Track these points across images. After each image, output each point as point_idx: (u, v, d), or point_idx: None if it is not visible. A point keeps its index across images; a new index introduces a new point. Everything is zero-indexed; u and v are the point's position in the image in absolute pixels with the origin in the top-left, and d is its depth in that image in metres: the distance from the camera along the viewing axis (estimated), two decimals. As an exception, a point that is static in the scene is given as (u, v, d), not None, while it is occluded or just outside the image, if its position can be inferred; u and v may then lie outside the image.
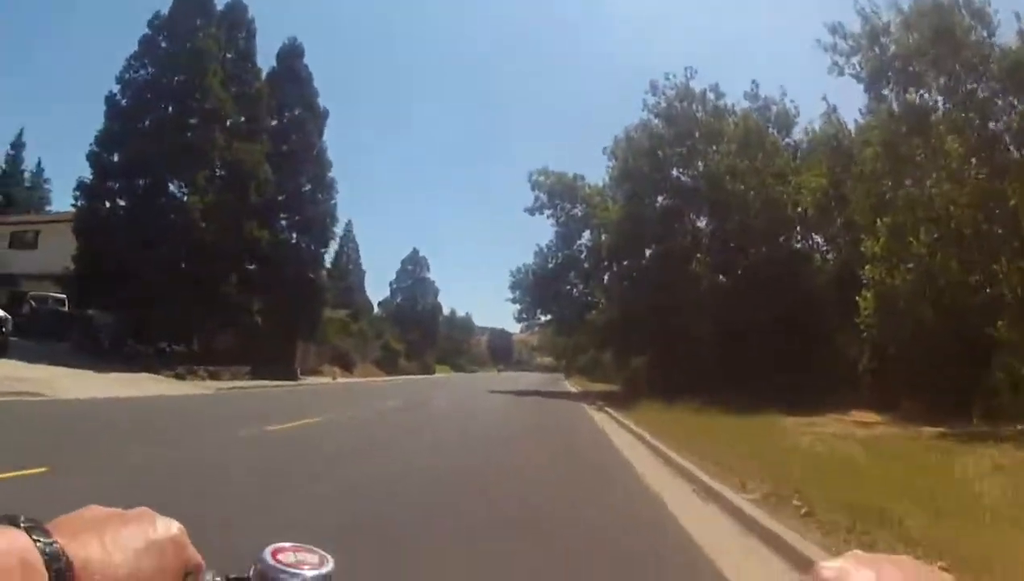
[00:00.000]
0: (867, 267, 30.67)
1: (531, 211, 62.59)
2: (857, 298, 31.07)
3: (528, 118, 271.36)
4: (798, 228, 48.54)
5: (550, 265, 62.40)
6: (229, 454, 14.81)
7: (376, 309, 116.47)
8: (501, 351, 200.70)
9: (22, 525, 0.83)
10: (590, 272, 60.72)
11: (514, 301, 64.59)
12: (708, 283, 48.90)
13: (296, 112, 59.95)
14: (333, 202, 61.91)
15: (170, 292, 44.35)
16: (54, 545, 0.83)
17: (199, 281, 47.04)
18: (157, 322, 45.54)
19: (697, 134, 51.27)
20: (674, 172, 52.26)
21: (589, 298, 62.33)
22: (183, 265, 47.54)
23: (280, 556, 1.06)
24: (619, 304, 53.66)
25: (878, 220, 30.22)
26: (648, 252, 52.15)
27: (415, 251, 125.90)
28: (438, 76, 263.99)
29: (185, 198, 49.18)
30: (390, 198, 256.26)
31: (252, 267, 54.83)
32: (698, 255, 49.95)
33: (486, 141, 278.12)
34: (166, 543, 0.95)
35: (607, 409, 35.74)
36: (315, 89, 62.09)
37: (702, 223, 52.70)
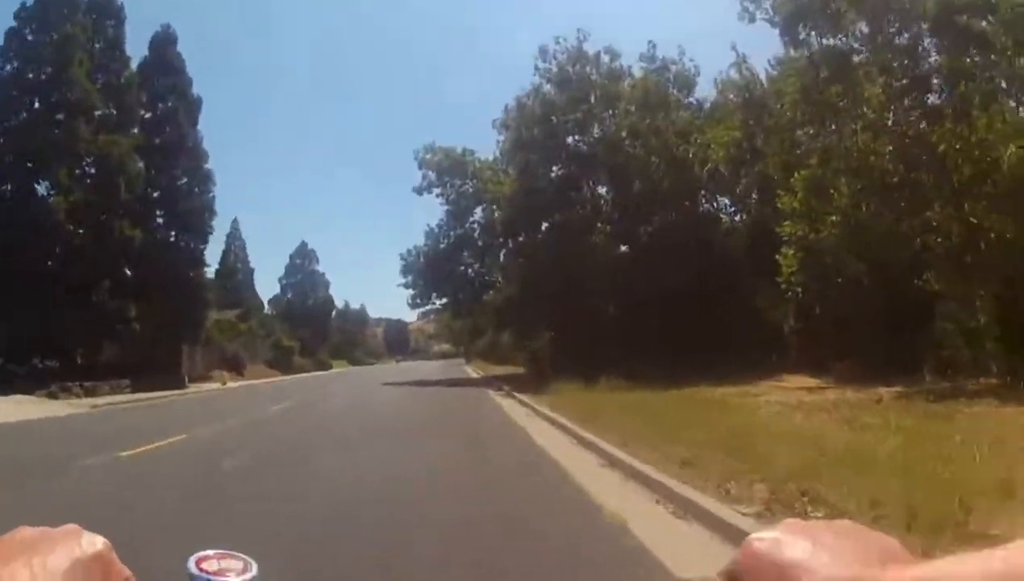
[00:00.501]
0: (786, 224, 28.98)
1: (419, 190, 59.21)
2: (777, 257, 29.52)
3: (416, 96, 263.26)
4: (703, 191, 46.91)
5: (442, 245, 58.93)
6: (51, 497, 11.63)
7: (267, 307, 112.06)
8: (398, 341, 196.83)
9: None
10: (484, 250, 57.48)
11: (407, 286, 61.02)
12: (610, 253, 46.86)
13: (169, 102, 56.47)
14: (211, 195, 58.64)
15: (37, 302, 40.85)
16: None
17: (69, 289, 43.54)
18: (28, 336, 41.95)
19: (593, 98, 48.74)
20: (569, 140, 49.43)
21: (485, 277, 59.20)
22: (50, 271, 43.95)
23: (204, 564, 1.06)
24: (517, 281, 50.81)
25: (796, 173, 28.35)
26: (545, 225, 49.18)
27: (303, 244, 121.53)
28: (319, 57, 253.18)
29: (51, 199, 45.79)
30: (276, 191, 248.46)
31: (127, 270, 51.57)
32: (598, 225, 47.79)
33: (373, 123, 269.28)
34: (92, 561, 0.93)
35: (515, 394, 33.03)
36: (188, 77, 58.85)
37: (602, 190, 50.32)
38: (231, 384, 59.80)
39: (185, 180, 56.89)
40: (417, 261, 59.59)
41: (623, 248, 47.70)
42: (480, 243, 57.43)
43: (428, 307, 65.15)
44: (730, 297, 39.27)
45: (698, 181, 45.05)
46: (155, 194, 55.31)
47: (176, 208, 55.05)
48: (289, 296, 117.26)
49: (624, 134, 46.47)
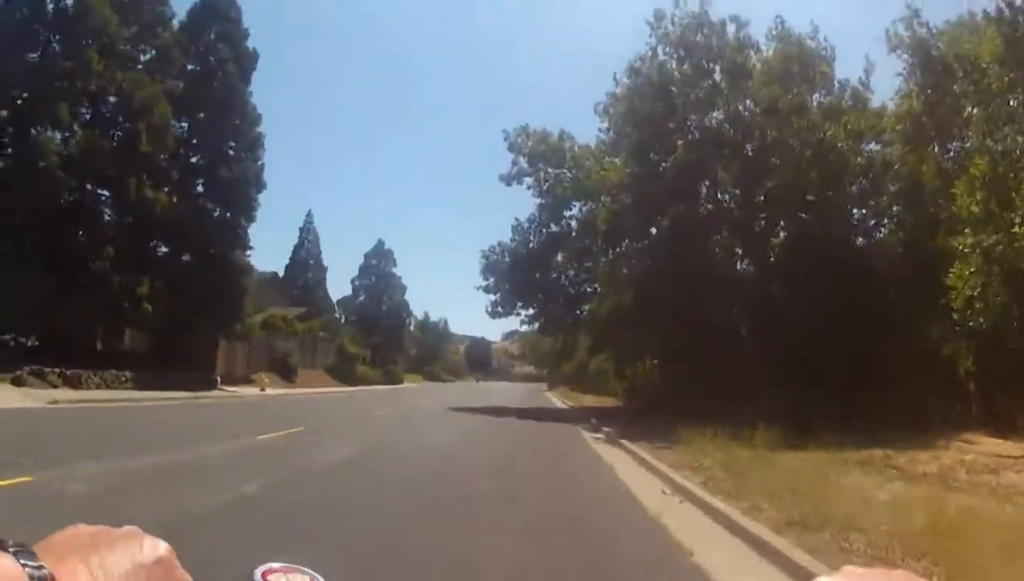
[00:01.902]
0: (966, 233, 23.08)
1: (508, 179, 50.04)
2: (951, 273, 23.43)
3: (509, 79, 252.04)
4: (854, 188, 36.92)
5: (532, 244, 49.64)
6: None
7: (336, 309, 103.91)
8: (479, 360, 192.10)
9: (10, 549, 0.83)
10: (582, 252, 47.75)
11: (487, 290, 51.43)
12: (745, 262, 38.34)
13: (218, 54, 48.32)
14: (260, 163, 50.23)
15: (10, 266, 33.10)
16: (43, 570, 0.81)
17: (56, 252, 35.72)
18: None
19: (718, 72, 38.95)
20: (692, 117, 39.44)
21: (581, 287, 49.71)
22: (34, 227, 36.63)
23: (270, 577, 1.06)
24: (620, 292, 41.34)
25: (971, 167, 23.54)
26: (658, 224, 39.13)
27: (380, 243, 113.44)
28: (398, 37, 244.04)
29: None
30: (354, 182, 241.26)
31: (148, 241, 44.12)
32: (723, 230, 38.89)
33: (461, 109, 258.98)
34: (154, 565, 0.92)
35: (621, 440, 23.78)
36: (244, 29, 50.64)
37: (733, 177, 39.77)
38: (269, 391, 51.79)
39: (232, 144, 48.88)
40: (501, 260, 50.09)
41: (763, 256, 38.60)
42: (577, 245, 47.61)
43: (510, 317, 54.58)
44: (888, 328, 30.43)
45: (854, 172, 35.97)
46: (194, 158, 48.05)
47: (217, 175, 46.34)
48: (361, 299, 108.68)
49: (762, 105, 37.01)
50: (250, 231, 49.22)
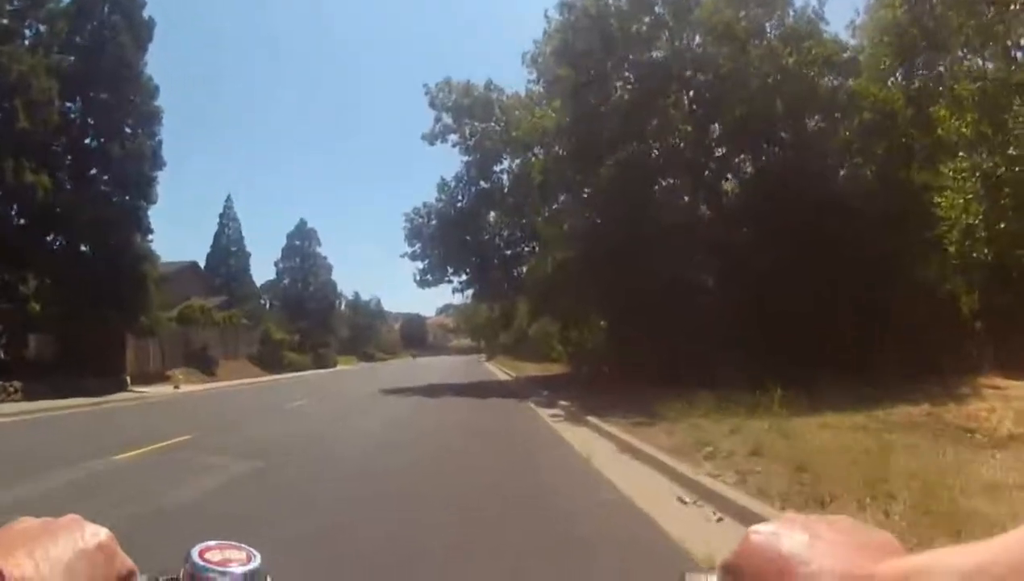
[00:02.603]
0: (960, 157, 21.82)
1: (431, 138, 46.06)
2: (940, 203, 22.05)
3: (427, 33, 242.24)
4: (819, 117, 33.14)
5: (460, 204, 45.46)
6: None
7: (261, 295, 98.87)
8: (414, 337, 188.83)
9: None
10: (516, 209, 43.50)
11: (413, 256, 47.08)
12: (697, 208, 34.36)
13: (112, 25, 43.04)
14: (157, 139, 44.94)
15: None
16: None
17: None
18: None
19: (659, 6, 34.48)
20: (632, 55, 34.96)
21: (518, 247, 45.58)
22: None
23: (207, 555, 1.05)
24: (561, 248, 37.32)
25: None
26: (603, 171, 34.67)
27: (302, 222, 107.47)
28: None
29: None
30: (272, 165, 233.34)
31: (26, 224, 39.61)
32: (678, 168, 34.53)
33: (377, 69, 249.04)
34: (95, 552, 0.94)
35: (591, 419, 19.53)
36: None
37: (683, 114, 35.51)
38: (183, 388, 47.11)
39: (130, 122, 43.83)
40: (427, 223, 45.81)
41: (724, 190, 35.35)
42: (510, 201, 43.42)
43: (441, 285, 49.99)
44: (874, 269, 27.27)
45: (820, 103, 32.05)
46: (89, 140, 43.09)
47: (110, 154, 41.49)
48: (285, 282, 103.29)
49: (710, 39, 33.36)
50: (152, 214, 44.63)
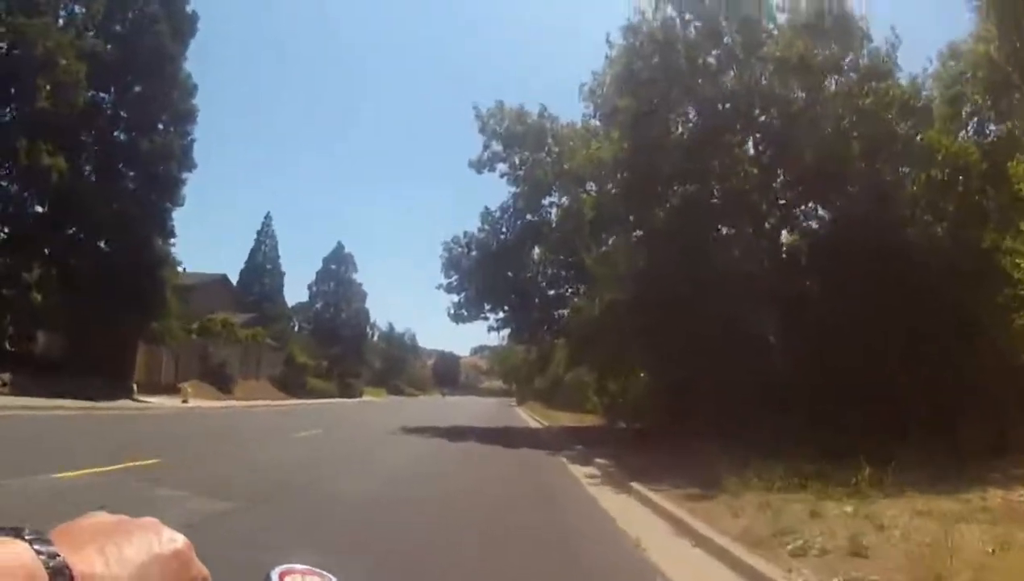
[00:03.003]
0: None
1: (479, 166, 43.25)
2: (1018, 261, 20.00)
3: (478, 60, 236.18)
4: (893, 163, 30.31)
5: (503, 236, 42.77)
6: None
7: (292, 317, 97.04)
8: (447, 375, 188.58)
9: (26, 537, 0.84)
10: (563, 245, 40.89)
11: (448, 288, 44.31)
12: (765, 250, 31.34)
13: (151, 13, 41.72)
14: (190, 139, 43.59)
15: None
16: (58, 559, 0.82)
17: None
18: None
19: (732, 30, 31.51)
20: (701, 83, 31.99)
21: (562, 287, 42.80)
22: None
23: (287, 579, 1.06)
24: (613, 289, 34.14)
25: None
26: (661, 209, 32.02)
27: (339, 246, 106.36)
28: (358, 24, 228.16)
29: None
30: (314, 185, 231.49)
31: (41, 211, 38.75)
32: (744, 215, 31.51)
33: (426, 95, 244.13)
34: (171, 558, 0.92)
35: (636, 486, 16.23)
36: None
37: (753, 152, 32.97)
38: (191, 403, 44.94)
39: (164, 118, 42.44)
40: (466, 254, 43.09)
41: (787, 243, 32.31)
42: (557, 236, 40.74)
43: (476, 321, 46.82)
44: (951, 331, 24.42)
45: (896, 150, 29.45)
46: (116, 132, 41.68)
47: (139, 149, 39.82)
48: (318, 306, 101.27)
49: (785, 69, 30.12)
50: (185, 223, 43.16)
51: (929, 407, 23.16)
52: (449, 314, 45.41)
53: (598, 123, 37.87)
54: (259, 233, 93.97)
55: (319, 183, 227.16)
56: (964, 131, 29.05)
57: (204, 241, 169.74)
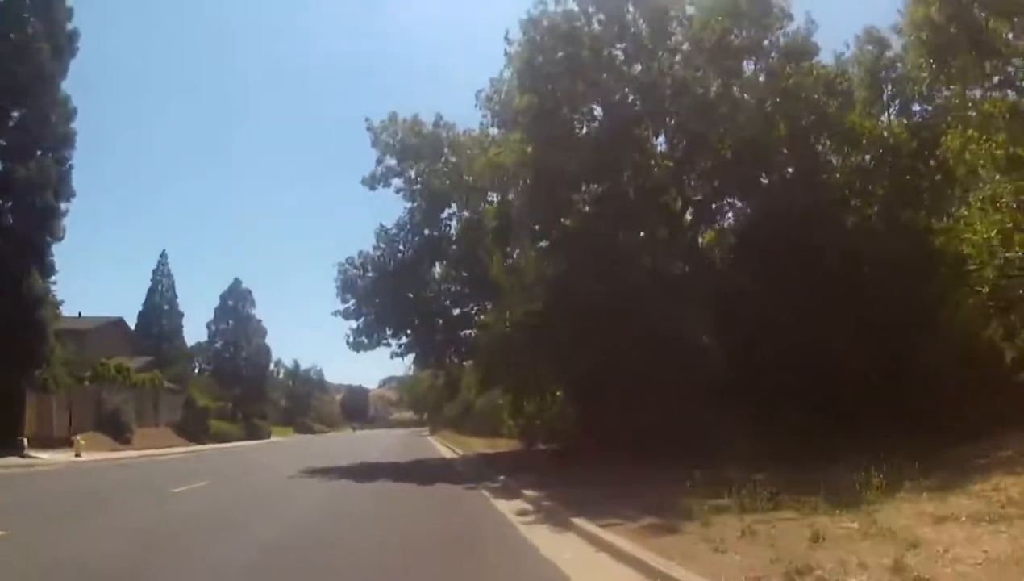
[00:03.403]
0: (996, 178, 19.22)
1: (372, 182, 40.61)
2: (967, 238, 18.95)
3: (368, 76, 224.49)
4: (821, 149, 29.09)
5: (401, 254, 40.13)
6: None
7: (193, 359, 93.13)
8: (356, 409, 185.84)
9: None
10: (465, 258, 38.47)
11: (346, 314, 41.28)
12: (689, 252, 29.33)
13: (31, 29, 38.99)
14: (68, 165, 40.81)
15: None
16: None
17: None
18: None
19: (637, 26, 29.39)
20: (604, 75, 29.30)
21: (467, 305, 40.39)
22: None
23: None
24: (523, 300, 31.38)
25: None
26: (571, 212, 29.66)
27: (236, 282, 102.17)
28: (240, 47, 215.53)
29: None
30: (210, 220, 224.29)
31: None
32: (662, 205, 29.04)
33: (318, 115, 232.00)
34: None
35: (579, 522, 13.25)
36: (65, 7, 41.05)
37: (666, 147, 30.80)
38: (89, 456, 41.87)
39: (43, 143, 39.60)
40: (362, 275, 40.30)
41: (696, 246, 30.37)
42: (459, 250, 38.24)
43: (377, 348, 43.79)
44: (897, 321, 22.90)
45: (828, 128, 27.91)
46: None
47: (13, 175, 37.34)
48: (218, 345, 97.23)
49: (702, 53, 28.34)
50: (73, 264, 40.35)
51: (887, 397, 21.79)
52: (348, 342, 42.56)
53: (497, 130, 35.50)
54: (155, 272, 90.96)
55: (213, 217, 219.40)
56: (886, 113, 28.91)
57: (98, 284, 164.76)
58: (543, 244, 30.78)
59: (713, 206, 30.21)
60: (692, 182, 29.79)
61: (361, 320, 41.62)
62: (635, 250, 28.18)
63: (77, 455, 41.21)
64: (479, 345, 38.44)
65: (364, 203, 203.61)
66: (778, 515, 11.32)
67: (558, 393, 35.83)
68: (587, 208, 29.31)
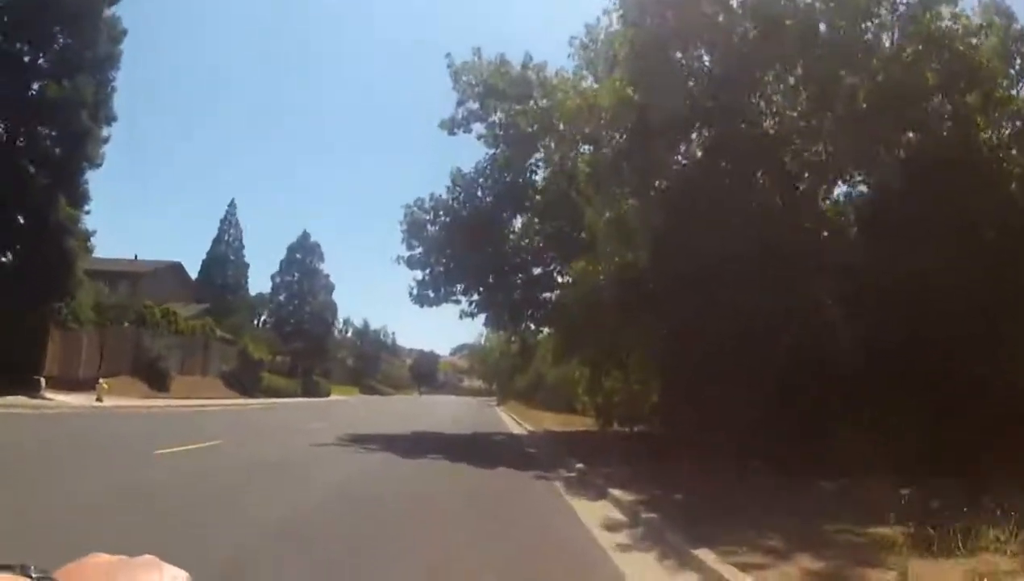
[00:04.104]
0: None
1: (452, 126, 36.45)
2: None
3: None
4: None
5: (478, 201, 36.43)
6: None
7: (256, 309, 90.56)
8: (425, 374, 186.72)
9: (33, 576, 0.90)
10: (552, 208, 34.49)
11: (411, 262, 37.04)
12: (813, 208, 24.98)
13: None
14: (110, 87, 36.92)
15: None
16: None
17: None
18: None
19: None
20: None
21: (550, 265, 36.82)
22: None
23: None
24: (623, 250, 27.15)
25: None
26: (683, 159, 26.10)
27: (305, 235, 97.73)
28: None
29: None
30: (285, 170, 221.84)
31: None
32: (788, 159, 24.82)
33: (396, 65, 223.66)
34: None
35: (710, 561, 8.83)
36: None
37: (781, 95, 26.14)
38: (111, 402, 38.11)
39: (82, 62, 35.56)
40: (432, 220, 36.36)
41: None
42: (545, 201, 34.23)
43: (445, 303, 39.40)
44: None
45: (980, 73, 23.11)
46: (35, 85, 35.24)
47: (45, 92, 34.09)
48: (281, 298, 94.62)
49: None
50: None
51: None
52: (411, 294, 38.29)
53: (592, 81, 31.92)
54: (222, 221, 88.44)
55: (287, 169, 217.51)
56: (1015, 88, 24.06)
57: (165, 232, 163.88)
58: (654, 190, 26.69)
59: (841, 165, 25.81)
60: (822, 134, 25.45)
61: (428, 271, 37.59)
62: (749, 209, 24.03)
63: (99, 400, 37.88)
64: (563, 303, 34.48)
65: (446, 156, 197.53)
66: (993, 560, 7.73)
67: (642, 370, 31.66)
68: (699, 154, 25.46)
